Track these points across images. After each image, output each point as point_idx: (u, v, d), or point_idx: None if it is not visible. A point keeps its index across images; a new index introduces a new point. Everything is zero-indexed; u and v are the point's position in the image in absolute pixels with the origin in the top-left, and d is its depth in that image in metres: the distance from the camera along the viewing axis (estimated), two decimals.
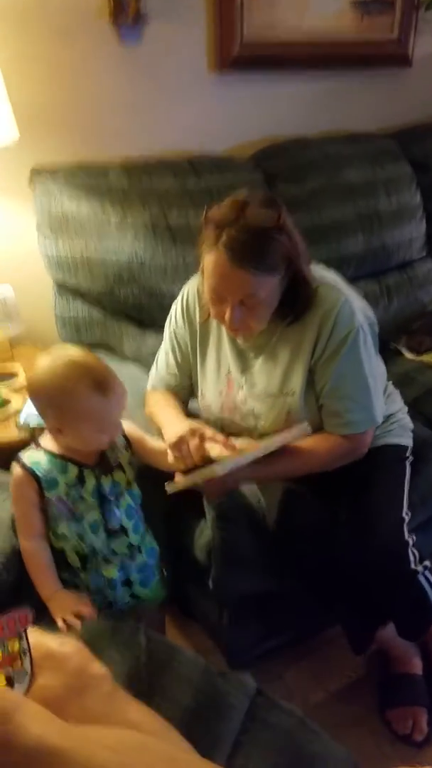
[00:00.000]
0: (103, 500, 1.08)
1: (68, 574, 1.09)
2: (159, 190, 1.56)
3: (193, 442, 1.06)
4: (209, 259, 1.04)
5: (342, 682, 1.40)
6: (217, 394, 1.25)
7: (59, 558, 1.07)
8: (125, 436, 1.14)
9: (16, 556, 1.05)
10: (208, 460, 1.06)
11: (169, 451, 1.08)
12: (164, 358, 1.31)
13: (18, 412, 1.33)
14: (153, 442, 1.16)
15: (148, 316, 1.55)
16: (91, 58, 1.57)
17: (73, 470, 1.06)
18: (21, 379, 1.44)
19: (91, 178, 1.52)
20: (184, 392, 1.32)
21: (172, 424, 1.15)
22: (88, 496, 1.07)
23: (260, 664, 1.38)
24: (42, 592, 1.03)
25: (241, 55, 1.76)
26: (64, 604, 1.01)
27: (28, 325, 1.59)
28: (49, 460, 1.06)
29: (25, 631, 0.79)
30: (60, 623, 0.98)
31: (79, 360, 1.00)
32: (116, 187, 1.53)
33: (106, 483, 1.09)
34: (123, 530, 1.10)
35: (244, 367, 1.21)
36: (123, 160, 1.60)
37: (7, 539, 1.06)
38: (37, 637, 0.83)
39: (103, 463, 1.08)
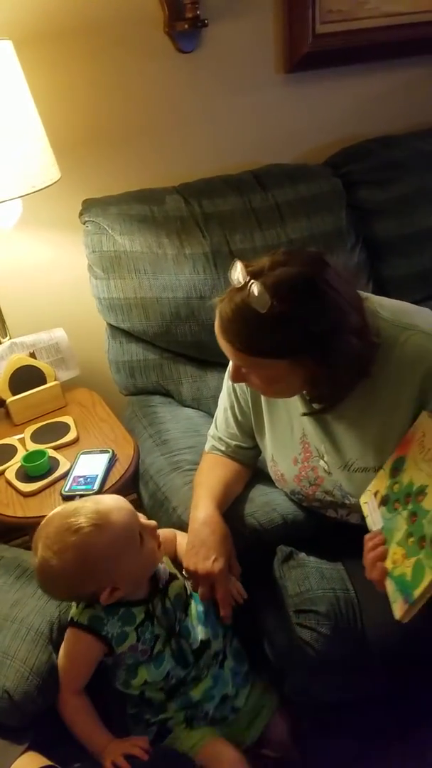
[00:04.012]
0: (173, 623, 0.96)
1: (136, 709, 0.99)
2: (221, 213, 1.43)
3: None
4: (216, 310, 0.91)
5: None
6: (291, 463, 1.06)
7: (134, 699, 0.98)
8: None
9: (52, 677, 0.94)
10: None
11: None
12: (223, 416, 1.15)
13: (66, 475, 1.22)
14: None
15: (210, 353, 1.41)
16: (144, 73, 1.45)
17: (139, 613, 0.95)
18: (72, 434, 1.33)
19: (145, 208, 1.40)
20: (247, 456, 1.15)
21: (196, 517, 1.04)
22: (160, 629, 0.96)
23: None
24: (94, 748, 0.92)
25: (313, 51, 1.56)
26: (115, 749, 0.91)
27: (83, 369, 1.50)
28: (109, 612, 0.94)
29: None
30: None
31: (62, 523, 0.89)
32: (173, 215, 1.40)
33: (169, 604, 0.97)
34: (204, 642, 0.98)
35: (324, 431, 1.01)
36: (181, 185, 1.47)
37: (42, 655, 0.94)
38: None
39: (158, 586, 0.97)
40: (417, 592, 0.78)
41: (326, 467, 1.02)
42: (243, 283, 0.84)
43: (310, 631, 1.01)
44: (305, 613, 1.02)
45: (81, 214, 1.41)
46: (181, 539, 1.06)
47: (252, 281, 0.83)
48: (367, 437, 0.96)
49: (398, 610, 0.81)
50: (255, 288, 0.82)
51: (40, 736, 0.92)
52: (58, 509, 0.92)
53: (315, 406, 0.98)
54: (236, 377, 0.95)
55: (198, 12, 1.42)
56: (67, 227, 1.46)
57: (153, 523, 0.95)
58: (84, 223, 1.40)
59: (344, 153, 1.61)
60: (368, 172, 1.56)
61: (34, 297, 1.51)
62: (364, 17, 1.60)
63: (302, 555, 1.08)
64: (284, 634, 1.03)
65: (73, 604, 0.96)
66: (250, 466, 1.16)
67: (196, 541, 0.99)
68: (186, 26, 1.43)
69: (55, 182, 1.25)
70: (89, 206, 1.40)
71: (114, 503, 0.90)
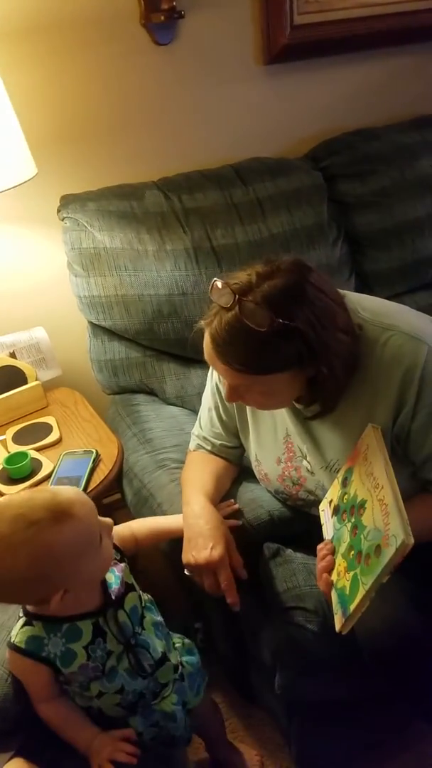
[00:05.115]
0: (129, 637, 0.90)
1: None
2: (201, 209, 1.41)
3: None
4: (205, 333, 0.88)
5: None
6: (274, 462, 1.06)
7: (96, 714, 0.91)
8: (115, 547, 0.93)
9: None
10: None
11: None
12: (207, 416, 1.14)
13: (50, 476, 1.20)
14: (163, 524, 1.03)
15: (193, 350, 1.37)
16: (121, 66, 1.42)
17: (87, 628, 0.86)
18: (55, 435, 1.31)
19: (124, 204, 1.38)
20: (233, 454, 1.15)
21: (188, 512, 1.02)
22: (113, 645, 0.88)
23: None
24: (80, 746, 0.89)
25: (292, 42, 1.55)
26: (101, 748, 0.87)
27: (64, 368, 1.48)
28: (51, 629, 0.85)
29: None
30: None
31: (15, 514, 0.76)
32: (153, 210, 1.39)
33: (124, 617, 0.90)
34: (164, 654, 0.93)
35: (306, 432, 1.01)
36: (160, 180, 1.45)
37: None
38: None
39: (110, 599, 0.89)
40: (352, 607, 0.80)
41: (309, 467, 1.02)
42: (231, 301, 0.81)
43: (298, 628, 1.01)
44: (293, 610, 1.02)
45: (59, 211, 1.38)
46: (138, 525, 1.02)
47: (242, 300, 0.81)
48: (347, 438, 0.96)
49: (338, 622, 0.83)
50: (249, 307, 0.80)
51: (27, 742, 0.91)
52: (5, 499, 0.80)
53: (307, 411, 0.97)
54: (232, 397, 0.92)
55: (174, 3, 1.40)
56: (46, 224, 1.43)
57: (109, 521, 0.87)
58: (62, 220, 1.37)
59: (324, 146, 1.61)
60: (348, 165, 1.56)
61: (13, 295, 1.48)
62: (341, 8, 1.58)
63: (289, 551, 1.08)
64: (273, 632, 1.03)
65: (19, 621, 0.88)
66: (237, 464, 1.16)
67: (191, 534, 0.98)
68: (162, 18, 1.41)
69: (31, 178, 1.22)
70: (67, 202, 1.38)
71: (75, 495, 0.80)
